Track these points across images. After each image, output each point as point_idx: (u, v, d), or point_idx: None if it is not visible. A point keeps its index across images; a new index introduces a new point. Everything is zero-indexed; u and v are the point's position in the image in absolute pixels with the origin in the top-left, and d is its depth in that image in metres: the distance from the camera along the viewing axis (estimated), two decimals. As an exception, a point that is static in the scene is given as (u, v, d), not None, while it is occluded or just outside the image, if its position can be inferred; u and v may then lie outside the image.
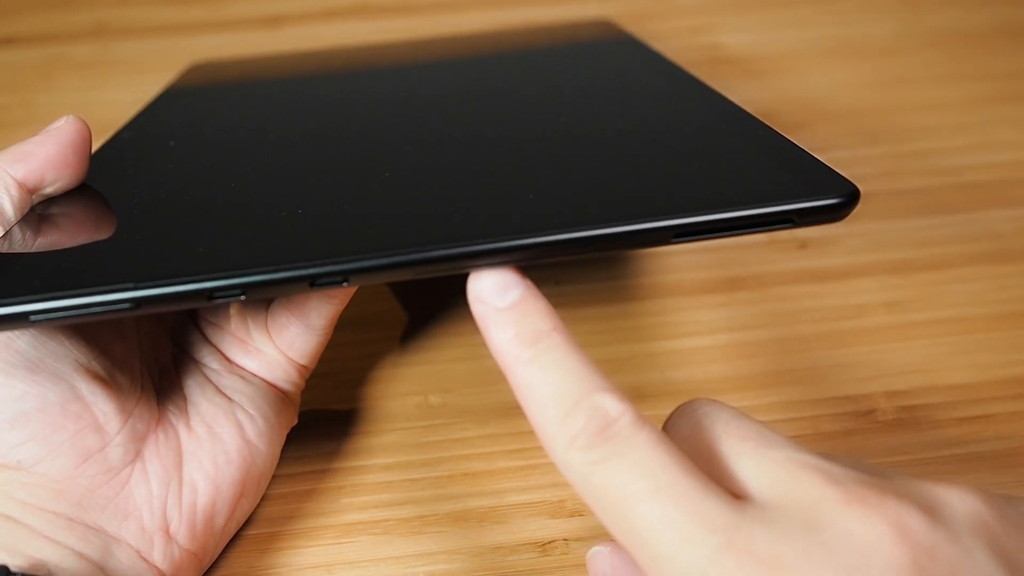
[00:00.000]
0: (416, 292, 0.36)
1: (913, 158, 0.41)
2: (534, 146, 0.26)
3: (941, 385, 0.31)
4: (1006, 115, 0.44)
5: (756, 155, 0.23)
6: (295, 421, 0.28)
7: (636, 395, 0.31)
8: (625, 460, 0.17)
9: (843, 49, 0.51)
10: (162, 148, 0.28)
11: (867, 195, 0.39)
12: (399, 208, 0.22)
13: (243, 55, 0.44)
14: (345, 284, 0.20)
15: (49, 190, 0.24)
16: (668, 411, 0.30)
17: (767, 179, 0.21)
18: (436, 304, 0.35)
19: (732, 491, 0.18)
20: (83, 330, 0.23)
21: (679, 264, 0.36)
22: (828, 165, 0.22)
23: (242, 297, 0.19)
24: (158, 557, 0.23)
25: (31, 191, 0.23)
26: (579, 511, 0.27)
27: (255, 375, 0.27)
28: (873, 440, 0.29)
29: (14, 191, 0.23)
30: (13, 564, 0.20)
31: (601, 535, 0.26)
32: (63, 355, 0.22)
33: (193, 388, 0.26)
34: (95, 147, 0.27)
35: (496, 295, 0.19)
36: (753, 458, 0.18)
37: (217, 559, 0.26)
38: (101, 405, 0.23)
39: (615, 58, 0.36)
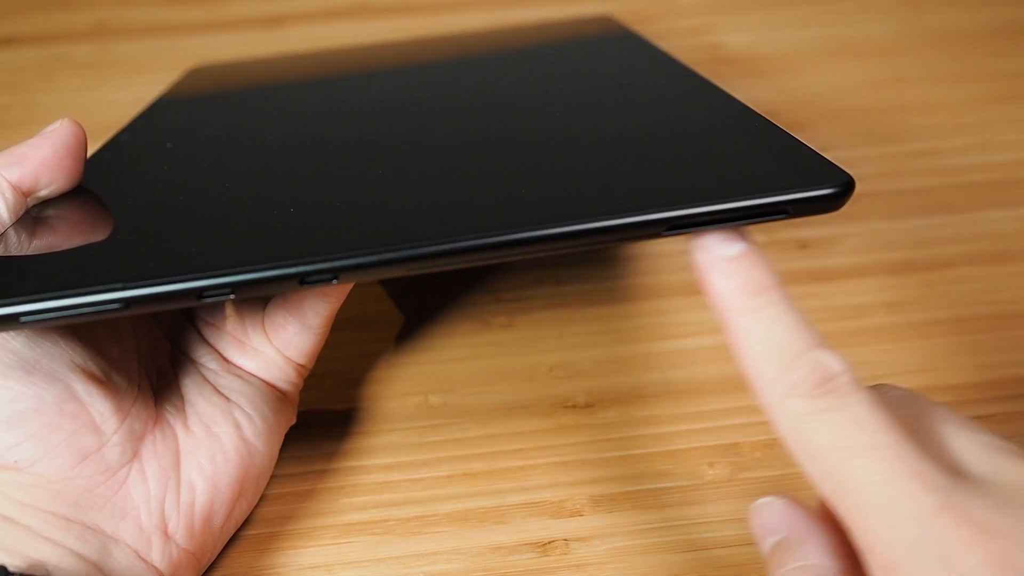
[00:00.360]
0: (416, 292, 0.36)
1: (913, 158, 0.41)
2: (526, 142, 0.26)
3: (941, 385, 0.31)
4: (1006, 115, 0.44)
5: (750, 146, 0.23)
6: (294, 420, 0.28)
7: (636, 395, 0.31)
8: (845, 414, 0.18)
9: (843, 49, 0.51)
10: (158, 151, 0.28)
11: (867, 195, 0.39)
12: (391, 205, 0.22)
13: (242, 58, 0.44)
14: (335, 281, 0.20)
15: (44, 193, 0.24)
16: (668, 411, 0.30)
17: (760, 170, 0.21)
18: (436, 304, 0.35)
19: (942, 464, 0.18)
20: (79, 330, 0.23)
21: (680, 264, 0.36)
22: (822, 154, 0.21)
23: (232, 296, 0.19)
24: (156, 557, 0.23)
25: (26, 194, 0.23)
26: (579, 511, 0.27)
27: (253, 375, 0.27)
28: (873, 440, 0.29)
29: (8, 194, 0.23)
30: (11, 564, 0.20)
31: (601, 535, 0.26)
32: (59, 356, 0.22)
33: (191, 388, 0.26)
34: (94, 149, 0.27)
35: (722, 245, 0.20)
36: (959, 438, 0.19)
37: (216, 559, 0.26)
38: (97, 405, 0.23)
39: (613, 53, 0.36)
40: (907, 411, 0.19)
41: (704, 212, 0.20)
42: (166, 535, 0.23)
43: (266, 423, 0.26)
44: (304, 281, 0.20)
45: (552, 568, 0.25)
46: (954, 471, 0.18)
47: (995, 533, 0.16)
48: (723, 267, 0.20)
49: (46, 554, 0.21)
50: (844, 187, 0.20)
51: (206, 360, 0.27)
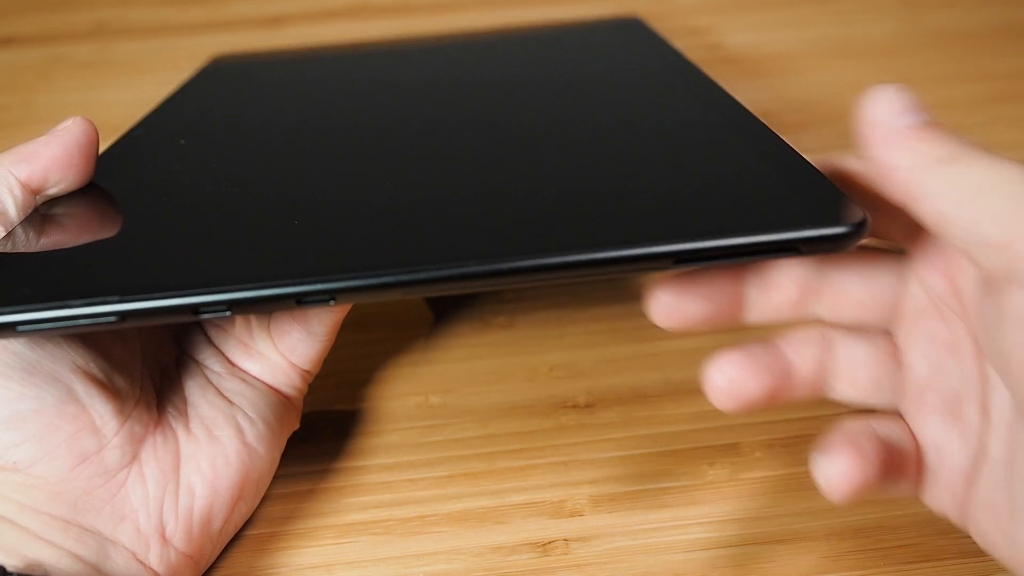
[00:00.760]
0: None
1: (913, 158, 0.41)
2: (538, 163, 0.25)
3: (941, 385, 0.31)
4: (1006, 115, 0.44)
5: (768, 176, 0.22)
6: (297, 425, 0.28)
7: (636, 395, 0.31)
8: None
9: (843, 49, 0.51)
10: (170, 149, 0.28)
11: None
12: (395, 225, 0.22)
13: (268, 48, 0.44)
14: (332, 303, 0.19)
15: (53, 191, 0.24)
16: (668, 411, 0.30)
17: (775, 204, 0.21)
18: (436, 304, 0.35)
19: None
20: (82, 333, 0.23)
21: (679, 264, 0.36)
22: (839, 189, 0.21)
23: (228, 313, 0.19)
24: (154, 560, 0.23)
25: (35, 191, 0.23)
26: (579, 511, 0.27)
27: (257, 379, 0.27)
28: (873, 440, 0.29)
29: (18, 191, 0.23)
30: (9, 564, 0.20)
31: (601, 535, 0.26)
32: (60, 357, 0.22)
33: (194, 390, 0.26)
34: (104, 146, 0.27)
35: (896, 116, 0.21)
36: None
37: (217, 559, 0.26)
38: (98, 407, 0.23)
39: (636, 63, 0.35)
40: None
41: (711, 247, 0.19)
42: (164, 538, 0.23)
43: (268, 427, 0.26)
44: (301, 301, 0.19)
45: (552, 568, 0.25)
46: None
47: None
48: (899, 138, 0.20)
49: (44, 555, 0.21)
50: (857, 227, 0.19)
51: (211, 363, 0.27)
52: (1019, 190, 0.18)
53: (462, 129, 0.29)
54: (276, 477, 0.28)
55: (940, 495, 0.21)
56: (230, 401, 0.26)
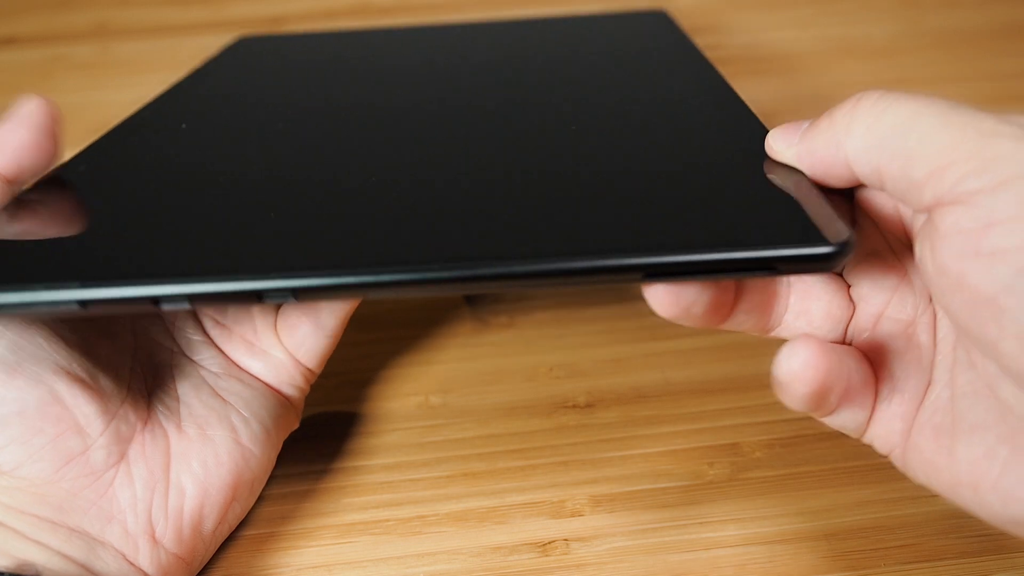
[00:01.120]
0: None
1: (913, 158, 0.41)
2: (522, 163, 0.24)
3: (941, 385, 0.31)
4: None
5: (756, 188, 0.21)
6: (295, 426, 0.28)
7: (636, 395, 0.31)
8: None
9: (843, 49, 0.51)
10: (168, 134, 0.28)
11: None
12: (362, 225, 0.21)
13: (295, 30, 0.43)
14: (294, 300, 0.19)
15: (26, 179, 0.23)
16: (668, 411, 0.30)
17: (757, 219, 0.20)
18: (436, 304, 0.35)
19: None
20: (66, 329, 0.23)
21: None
22: (829, 206, 0.20)
23: (188, 306, 0.19)
24: (144, 561, 0.23)
25: (10, 181, 0.23)
26: (579, 511, 0.27)
27: (258, 378, 0.27)
28: (873, 440, 0.29)
29: None
30: (1, 564, 0.20)
31: (601, 535, 0.26)
32: (42, 358, 0.22)
33: (187, 389, 0.25)
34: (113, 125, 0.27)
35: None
36: None
37: (216, 558, 0.26)
38: (82, 408, 0.22)
39: (650, 60, 0.34)
40: None
41: (683, 262, 0.19)
42: (154, 539, 0.23)
43: (263, 427, 0.26)
44: (263, 297, 0.19)
45: (552, 568, 0.25)
46: None
47: None
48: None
49: (34, 555, 0.21)
50: (840, 247, 0.18)
51: (208, 362, 0.26)
52: (932, 124, 0.18)
53: (453, 119, 0.28)
54: (275, 477, 0.28)
55: (890, 423, 0.21)
56: (224, 400, 0.25)
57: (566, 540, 0.26)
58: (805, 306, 0.22)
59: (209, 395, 0.25)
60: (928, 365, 0.21)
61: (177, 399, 0.25)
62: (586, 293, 0.35)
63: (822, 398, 0.20)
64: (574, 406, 0.30)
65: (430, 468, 0.29)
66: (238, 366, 0.27)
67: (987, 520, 0.19)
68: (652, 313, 0.21)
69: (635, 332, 0.33)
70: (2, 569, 0.20)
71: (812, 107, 0.45)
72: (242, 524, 0.27)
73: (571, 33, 0.39)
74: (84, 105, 0.49)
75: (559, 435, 0.29)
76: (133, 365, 0.25)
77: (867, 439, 0.22)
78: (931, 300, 0.21)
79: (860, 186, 0.21)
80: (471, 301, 0.35)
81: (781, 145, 0.22)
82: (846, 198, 0.22)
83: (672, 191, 0.22)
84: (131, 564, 0.22)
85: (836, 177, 0.20)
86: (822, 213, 0.20)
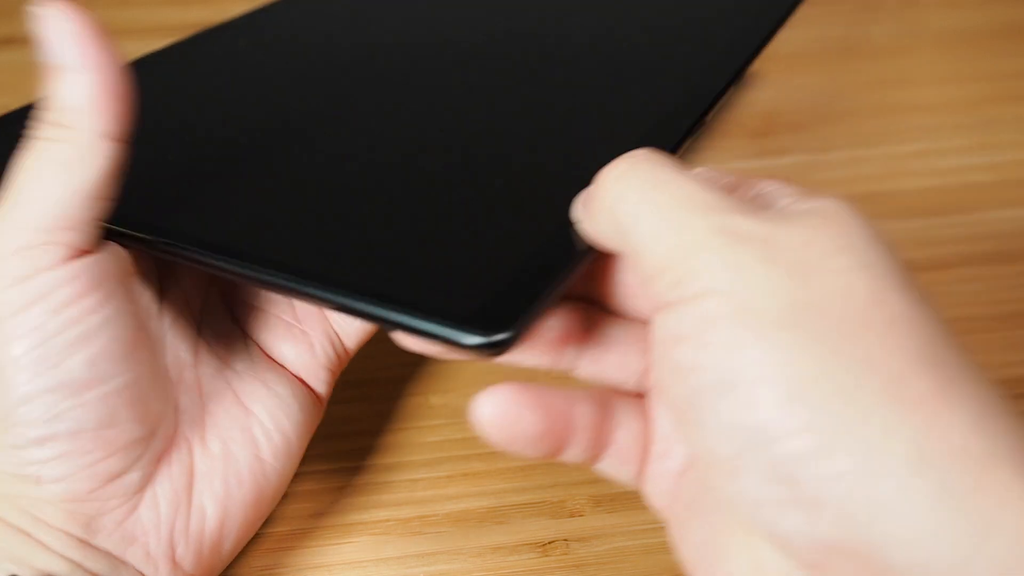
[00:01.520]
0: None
1: (913, 158, 0.41)
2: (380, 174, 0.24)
3: (941, 385, 0.31)
4: (1006, 115, 0.44)
5: (489, 247, 0.20)
6: (317, 423, 0.27)
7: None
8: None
9: (843, 49, 0.51)
10: (202, 73, 0.30)
11: (868, 195, 0.39)
12: (262, 210, 0.22)
13: None
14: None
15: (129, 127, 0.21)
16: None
17: (447, 280, 0.19)
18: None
19: None
20: (142, 346, 0.22)
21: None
22: (537, 291, 0.18)
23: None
24: None
25: (118, 139, 0.20)
26: (579, 511, 0.27)
27: (287, 369, 0.26)
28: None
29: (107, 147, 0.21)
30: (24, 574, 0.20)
31: (601, 535, 0.26)
32: (113, 378, 0.21)
33: (212, 396, 0.24)
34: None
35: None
36: (773, 188, 0.19)
37: (217, 559, 0.26)
38: (135, 432, 0.22)
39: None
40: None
41: (350, 305, 0.19)
42: (174, 562, 0.22)
43: (285, 440, 0.25)
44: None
45: (552, 568, 0.25)
46: (752, 207, 0.17)
47: (769, 243, 0.16)
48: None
49: (58, 568, 0.21)
50: (489, 345, 0.17)
51: (236, 361, 0.25)
52: (653, 224, 0.17)
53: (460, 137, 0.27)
54: (276, 477, 0.28)
55: (658, 482, 0.21)
56: (248, 409, 0.24)
57: (566, 540, 0.26)
58: (599, 355, 0.22)
59: (232, 403, 0.24)
60: None
61: (203, 408, 0.24)
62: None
63: (521, 445, 0.19)
64: (574, 406, 0.30)
65: (430, 468, 0.29)
66: (267, 355, 0.26)
67: None
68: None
69: (635, 332, 0.33)
70: None
71: (812, 107, 0.45)
72: (242, 524, 0.27)
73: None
74: (84, 105, 0.49)
75: (559, 435, 0.29)
76: (167, 376, 0.24)
77: (644, 494, 0.21)
78: None
79: None
80: None
81: (577, 209, 0.20)
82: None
83: (430, 234, 0.21)
84: None
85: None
86: (513, 297, 0.18)
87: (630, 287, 0.21)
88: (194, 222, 0.22)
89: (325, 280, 0.19)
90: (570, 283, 0.19)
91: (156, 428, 0.22)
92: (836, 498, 0.14)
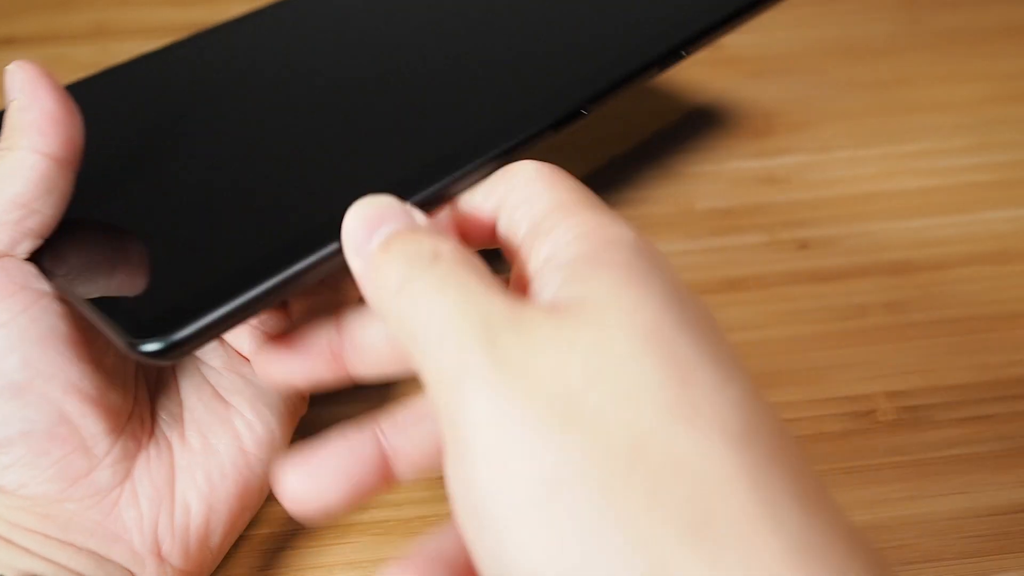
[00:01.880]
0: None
1: (913, 158, 0.41)
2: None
3: (941, 385, 0.31)
4: (1006, 115, 0.44)
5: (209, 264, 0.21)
6: (304, 410, 0.27)
7: (636, 395, 0.31)
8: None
9: (843, 49, 0.51)
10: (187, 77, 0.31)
11: (867, 196, 0.39)
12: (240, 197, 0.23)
13: None
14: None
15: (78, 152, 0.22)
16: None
17: (155, 286, 0.20)
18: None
19: None
20: (77, 342, 0.22)
21: (679, 265, 0.36)
22: (208, 303, 0.20)
23: None
24: None
25: (63, 161, 0.21)
26: (579, 511, 0.27)
27: None
28: (873, 440, 0.29)
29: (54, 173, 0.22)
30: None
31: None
32: (53, 375, 0.21)
33: (189, 391, 0.24)
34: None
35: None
36: (567, 247, 0.19)
37: (217, 559, 0.26)
38: (91, 427, 0.21)
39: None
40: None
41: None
42: (160, 557, 0.22)
43: (267, 429, 0.24)
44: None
45: (552, 568, 0.25)
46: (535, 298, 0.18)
47: (532, 377, 0.16)
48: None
49: (42, 569, 0.21)
50: (143, 353, 0.19)
51: (209, 356, 0.25)
52: (443, 333, 0.17)
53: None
54: (276, 477, 0.28)
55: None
56: (227, 403, 0.24)
57: (566, 540, 0.26)
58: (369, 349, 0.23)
59: (211, 397, 0.24)
60: None
61: (180, 404, 0.24)
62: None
63: (329, 512, 0.20)
64: (574, 406, 0.30)
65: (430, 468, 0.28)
66: (240, 354, 0.26)
67: None
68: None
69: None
70: None
71: (812, 107, 0.45)
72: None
73: None
74: (84, 105, 0.49)
75: (559, 435, 0.29)
76: (137, 371, 0.24)
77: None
78: None
79: None
80: None
81: (354, 237, 0.20)
82: None
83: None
84: None
85: None
86: (188, 305, 0.20)
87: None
88: None
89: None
90: (271, 304, 0.21)
91: (118, 423, 0.22)
92: None
